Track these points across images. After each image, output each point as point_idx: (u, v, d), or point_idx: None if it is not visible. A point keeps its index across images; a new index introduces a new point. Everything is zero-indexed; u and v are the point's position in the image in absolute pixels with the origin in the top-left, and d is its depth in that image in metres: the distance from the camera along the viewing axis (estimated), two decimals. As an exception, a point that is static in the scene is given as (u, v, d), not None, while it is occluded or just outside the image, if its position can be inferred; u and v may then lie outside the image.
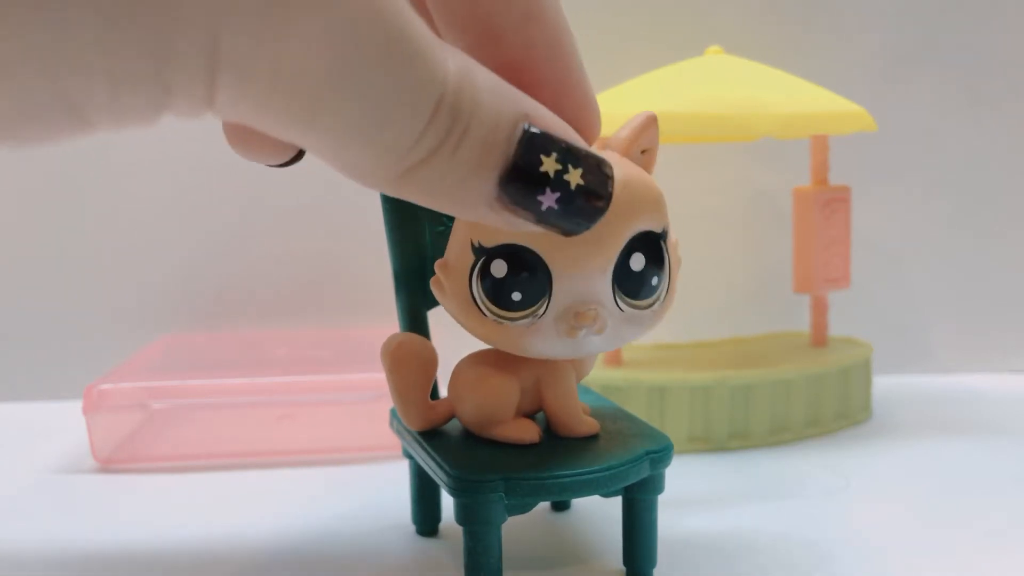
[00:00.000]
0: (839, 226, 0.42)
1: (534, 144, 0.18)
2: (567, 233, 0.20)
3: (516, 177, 0.18)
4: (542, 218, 0.19)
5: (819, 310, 0.43)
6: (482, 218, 0.19)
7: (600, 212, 0.19)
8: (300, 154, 0.22)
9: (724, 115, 0.36)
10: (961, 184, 0.50)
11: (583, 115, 0.21)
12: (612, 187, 0.19)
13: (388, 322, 0.28)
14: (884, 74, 0.49)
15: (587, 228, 0.20)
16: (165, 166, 0.48)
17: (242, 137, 0.21)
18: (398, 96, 0.16)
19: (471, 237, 0.22)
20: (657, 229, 0.22)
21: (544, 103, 0.20)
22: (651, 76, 0.40)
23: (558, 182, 0.18)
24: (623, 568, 0.26)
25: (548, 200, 0.18)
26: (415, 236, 0.27)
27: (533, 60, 0.20)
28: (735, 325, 0.47)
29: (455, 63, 0.17)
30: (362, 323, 0.49)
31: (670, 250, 0.23)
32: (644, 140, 0.23)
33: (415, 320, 0.27)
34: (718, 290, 0.50)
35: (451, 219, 0.25)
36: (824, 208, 0.41)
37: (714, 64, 0.40)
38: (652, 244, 0.22)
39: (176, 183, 0.48)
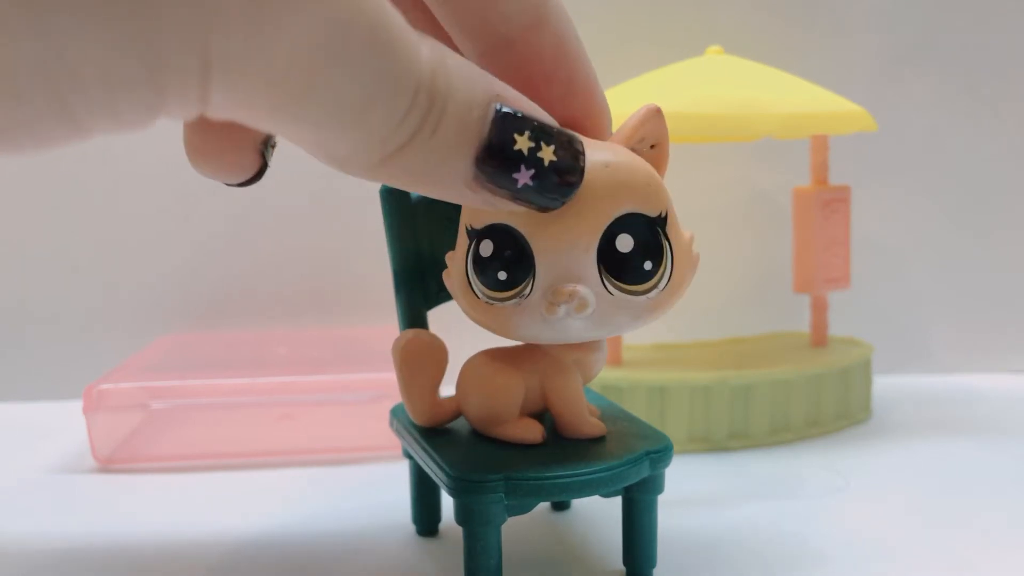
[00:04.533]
0: (839, 226, 0.42)
1: (507, 123, 0.19)
2: (543, 209, 0.20)
3: (491, 155, 0.19)
4: (518, 195, 0.19)
5: (819, 310, 0.43)
6: (461, 198, 0.20)
7: (573, 187, 0.20)
8: (260, 173, 0.22)
9: (724, 115, 0.36)
10: (961, 184, 0.50)
11: (592, 114, 0.22)
12: (584, 162, 0.20)
13: (388, 322, 0.29)
14: (884, 74, 0.49)
15: (561, 203, 0.20)
16: (165, 166, 0.48)
17: (203, 155, 0.21)
18: (380, 84, 0.17)
19: (466, 222, 0.23)
20: (649, 213, 0.22)
21: (554, 103, 0.21)
22: (651, 76, 0.40)
23: (532, 159, 0.19)
24: (623, 568, 0.26)
25: (523, 177, 0.19)
26: (415, 236, 0.27)
27: (542, 63, 0.21)
28: (735, 325, 0.47)
29: (428, 49, 0.18)
30: (362, 323, 0.49)
31: (675, 241, 0.22)
32: (648, 132, 0.22)
33: (415, 320, 0.27)
34: (718, 290, 0.50)
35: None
36: (824, 208, 0.41)
37: (714, 64, 0.40)
38: (643, 228, 0.22)
39: (176, 183, 0.48)
